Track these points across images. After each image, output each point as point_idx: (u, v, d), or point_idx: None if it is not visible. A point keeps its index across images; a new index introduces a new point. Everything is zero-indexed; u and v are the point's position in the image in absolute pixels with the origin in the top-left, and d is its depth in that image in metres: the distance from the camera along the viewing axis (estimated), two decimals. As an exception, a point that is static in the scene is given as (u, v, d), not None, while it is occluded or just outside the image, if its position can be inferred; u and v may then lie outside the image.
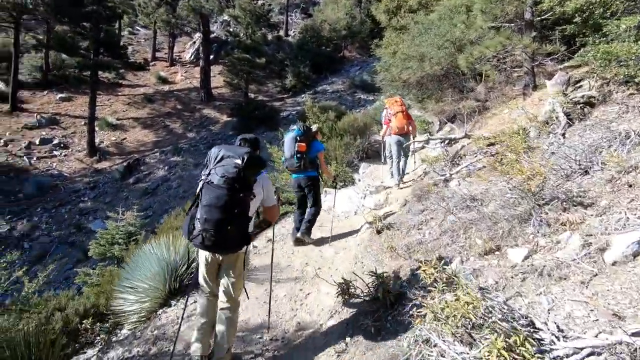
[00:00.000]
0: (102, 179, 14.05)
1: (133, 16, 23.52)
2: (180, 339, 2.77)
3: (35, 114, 16.04)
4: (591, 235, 2.33)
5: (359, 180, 7.38)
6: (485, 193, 3.59)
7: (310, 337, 2.76)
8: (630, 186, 2.62)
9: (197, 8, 18.23)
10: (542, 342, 1.70)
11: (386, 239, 3.75)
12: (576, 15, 5.05)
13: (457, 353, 1.72)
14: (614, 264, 2.06)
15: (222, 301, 2.38)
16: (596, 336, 1.64)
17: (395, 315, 2.51)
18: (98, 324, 3.68)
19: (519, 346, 1.59)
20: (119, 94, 19.52)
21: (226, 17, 22.06)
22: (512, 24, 6.30)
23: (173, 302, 3.52)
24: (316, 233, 4.59)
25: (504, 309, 1.91)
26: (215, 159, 2.20)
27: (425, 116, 9.50)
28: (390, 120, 5.79)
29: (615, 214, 2.41)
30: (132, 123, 17.61)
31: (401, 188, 5.88)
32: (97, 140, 15.63)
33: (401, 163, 5.94)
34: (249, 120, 16.26)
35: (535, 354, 1.55)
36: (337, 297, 2.93)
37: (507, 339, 1.61)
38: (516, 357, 1.53)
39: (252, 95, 19.96)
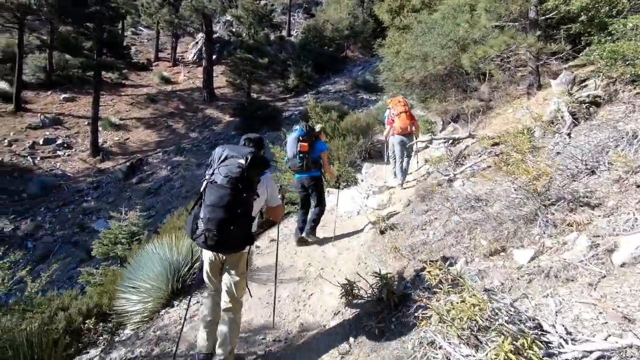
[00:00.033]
0: (105, 178, 14.10)
1: (136, 16, 23.59)
2: (183, 340, 2.76)
3: (39, 114, 16.12)
4: (599, 236, 2.29)
5: (362, 181, 7.35)
6: (490, 193, 3.56)
7: (314, 338, 2.74)
8: (638, 186, 2.58)
9: (200, 8, 18.27)
10: (550, 345, 1.67)
11: (390, 240, 3.72)
12: (582, 13, 5.00)
13: (463, 356, 1.70)
14: (622, 265, 2.02)
15: (225, 302, 2.37)
16: (605, 339, 1.61)
17: (400, 316, 2.48)
18: (101, 324, 3.68)
19: (527, 349, 1.57)
20: (122, 94, 19.59)
21: (229, 17, 22.09)
22: (516, 23, 6.25)
23: (176, 303, 3.51)
24: (319, 233, 4.57)
25: (510, 311, 1.88)
26: (219, 158, 2.19)
27: (428, 116, 9.45)
28: (393, 120, 5.77)
29: (623, 215, 2.37)
30: (135, 123, 17.66)
31: (404, 188, 5.85)
32: (100, 140, 15.69)
33: (404, 163, 5.92)
34: (251, 120, 16.27)
35: (543, 357, 1.53)
36: (341, 298, 2.91)
37: (514, 342, 1.58)
38: (524, 360, 1.51)
39: (255, 95, 19.98)
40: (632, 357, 1.45)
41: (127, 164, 14.76)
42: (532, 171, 2.76)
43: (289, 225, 5.28)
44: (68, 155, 14.89)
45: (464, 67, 6.86)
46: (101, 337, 3.51)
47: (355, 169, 7.88)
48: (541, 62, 6.19)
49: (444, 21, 7.27)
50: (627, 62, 4.09)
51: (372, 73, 19.23)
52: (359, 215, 5.39)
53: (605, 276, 2.01)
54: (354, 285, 2.85)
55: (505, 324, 1.71)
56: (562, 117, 4.45)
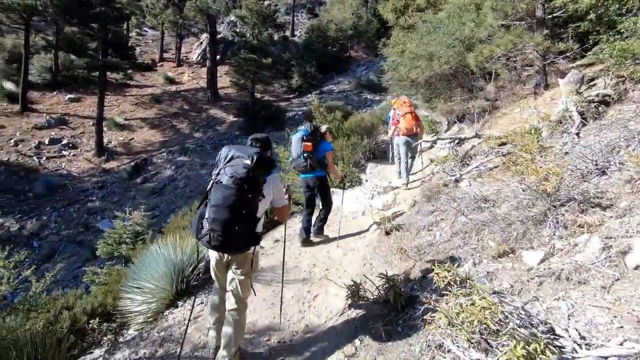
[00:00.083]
0: (110, 178, 14.16)
1: (141, 17, 23.72)
2: (188, 341, 2.74)
3: (45, 114, 16.23)
4: (611, 237, 2.24)
5: (366, 181, 7.31)
6: (498, 194, 3.51)
7: (319, 340, 2.71)
8: (652, 187, 2.53)
9: (204, 9, 18.31)
10: (563, 349, 1.62)
11: (395, 240, 3.68)
12: (590, 12, 4.93)
13: (472, 360, 1.66)
14: (636, 268, 1.97)
15: (230, 303, 2.34)
16: (621, 344, 1.56)
17: (407, 319, 2.44)
18: (105, 323, 3.67)
19: (540, 354, 1.52)
20: (127, 94, 19.68)
21: (233, 18, 22.13)
22: (523, 22, 6.18)
23: (180, 303, 3.49)
24: (314, 238, 4.56)
25: (521, 314, 1.84)
26: (225, 158, 2.18)
27: (433, 116, 9.39)
28: (398, 121, 5.76)
29: (637, 216, 2.32)
30: (139, 123, 17.73)
31: (409, 188, 5.81)
32: (105, 141, 15.76)
33: (408, 163, 5.89)
34: (255, 120, 16.28)
35: (557, 362, 1.48)
36: (347, 299, 2.87)
37: (527, 346, 1.54)
38: (537, 365, 1.47)
39: (259, 96, 19.99)
40: (650, 363, 1.41)
41: (132, 164, 14.82)
42: (541, 171, 2.70)
43: (293, 225, 5.25)
44: (73, 155, 14.98)
45: (469, 67, 6.81)
46: (105, 337, 3.50)
47: (359, 169, 7.84)
48: (548, 62, 6.12)
49: (449, 20, 7.22)
50: (637, 61, 4.03)
51: (376, 73, 19.16)
52: (364, 215, 5.35)
53: (619, 279, 1.96)
54: (360, 286, 2.81)
55: (517, 327, 1.67)
56: (570, 117, 4.39)
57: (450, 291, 2.03)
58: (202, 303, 3.41)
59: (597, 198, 2.67)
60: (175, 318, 3.30)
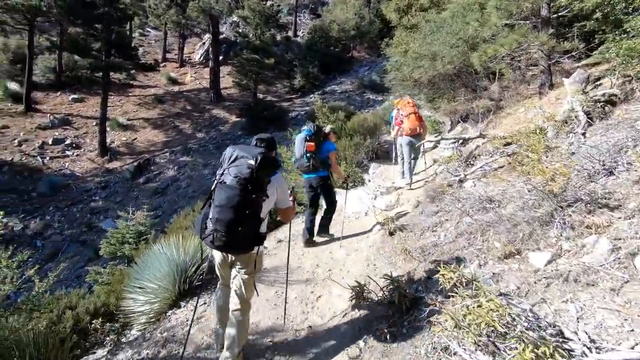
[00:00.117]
0: (113, 178, 14.20)
1: (144, 18, 23.76)
2: (190, 342, 2.72)
3: (49, 115, 16.30)
4: (620, 239, 2.21)
5: (369, 181, 7.28)
6: (503, 194, 3.47)
7: (323, 341, 2.68)
8: (661, 188, 2.49)
9: (207, 9, 18.33)
10: (572, 353, 1.59)
11: (399, 241, 3.66)
12: (596, 10, 4.88)
13: (480, 363, 1.63)
14: (646, 270, 1.94)
15: (234, 303, 2.33)
16: (632, 348, 1.53)
17: (411, 320, 2.41)
18: (108, 324, 3.66)
19: (549, 358, 1.50)
20: (130, 94, 19.73)
21: (235, 18, 22.14)
22: (528, 21, 6.14)
23: (182, 304, 3.48)
24: (319, 237, 4.55)
25: (529, 316, 1.81)
26: (230, 159, 2.17)
27: (436, 116, 9.35)
28: (402, 121, 5.74)
29: (646, 217, 2.28)
30: (142, 123, 17.77)
31: (412, 189, 5.78)
32: (108, 141, 15.80)
33: (412, 163, 5.87)
34: (257, 121, 16.28)
35: (566, 366, 1.46)
36: (351, 300, 2.85)
37: (535, 350, 1.51)
38: (546, 369, 1.44)
39: (261, 96, 20.00)
40: (663, 367, 1.38)
41: (135, 164, 14.85)
42: (548, 172, 2.67)
43: (295, 226, 5.23)
44: (77, 155, 15.03)
45: (473, 67, 6.77)
46: (108, 338, 3.50)
47: (362, 170, 7.81)
48: (553, 61, 6.07)
49: (453, 20, 7.18)
50: (644, 60, 3.99)
51: (378, 73, 19.12)
52: (367, 216, 5.32)
53: (628, 281, 1.92)
54: (364, 287, 2.78)
55: (525, 330, 1.64)
56: (576, 117, 4.34)
57: (456, 293, 2.00)
58: (205, 304, 3.39)
59: (605, 199, 2.64)
60: (178, 319, 3.29)
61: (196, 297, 2.98)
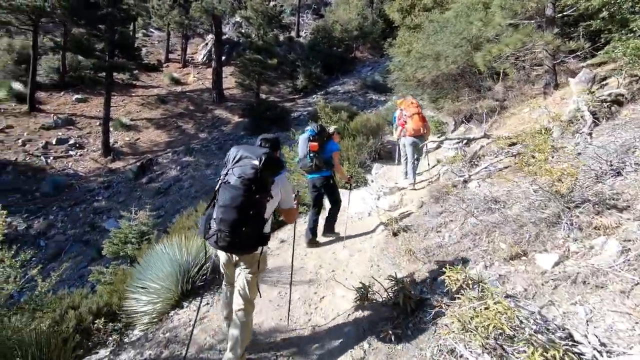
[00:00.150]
0: (116, 178, 14.23)
1: (147, 18, 23.84)
2: (193, 343, 2.70)
3: (52, 115, 16.37)
4: (629, 240, 2.17)
5: (372, 181, 7.25)
6: (508, 195, 3.44)
7: (326, 343, 2.66)
8: (670, 188, 2.45)
9: (210, 9, 18.37)
10: (582, 357, 1.56)
11: (403, 242, 3.62)
12: (603, 10, 4.83)
13: (488, 366, 1.60)
14: (657, 272, 1.90)
15: (237, 303, 2.31)
16: (644, 352, 1.50)
17: (416, 322, 2.38)
18: (110, 323, 3.65)
19: (559, 361, 1.47)
20: (133, 94, 19.80)
21: (238, 19, 22.19)
22: (532, 21, 6.10)
23: (185, 304, 3.47)
24: (324, 237, 4.52)
25: (537, 319, 1.78)
26: (234, 159, 2.16)
27: (439, 117, 9.31)
28: (406, 121, 5.72)
29: (656, 218, 2.24)
30: (145, 123, 17.82)
31: (416, 189, 5.75)
32: (111, 141, 15.85)
33: (415, 164, 5.85)
34: (260, 121, 16.29)
35: (577, 370, 1.42)
36: (355, 301, 2.82)
37: (545, 353, 1.48)
38: (557, 373, 1.41)
39: (264, 96, 20.01)
40: (677, 372, 1.34)
41: (138, 164, 14.88)
42: (555, 172, 2.63)
43: (298, 226, 5.20)
44: (80, 155, 15.08)
45: (477, 67, 6.72)
46: (111, 338, 3.48)
47: (365, 170, 7.78)
48: (558, 61, 6.03)
49: (456, 20, 7.14)
50: (651, 60, 3.94)
51: (381, 74, 19.11)
52: (370, 216, 5.29)
53: (638, 283, 1.89)
54: (369, 289, 2.76)
55: (534, 333, 1.61)
56: (582, 117, 4.31)
57: (462, 294, 1.97)
58: (207, 304, 3.38)
59: (613, 199, 2.60)
60: (180, 319, 3.27)
61: (199, 298, 2.96)
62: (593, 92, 4.49)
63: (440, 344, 2.05)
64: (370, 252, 3.89)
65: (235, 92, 20.79)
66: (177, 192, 13.23)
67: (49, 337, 2.52)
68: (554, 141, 4.06)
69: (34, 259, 6.36)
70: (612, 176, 2.93)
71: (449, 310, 1.97)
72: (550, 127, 4.53)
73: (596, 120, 4.19)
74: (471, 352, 1.79)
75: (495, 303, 1.71)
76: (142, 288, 3.54)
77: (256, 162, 2.08)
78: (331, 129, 4.33)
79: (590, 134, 4.03)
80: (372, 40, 23.61)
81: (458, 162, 4.98)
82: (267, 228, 2.26)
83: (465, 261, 2.79)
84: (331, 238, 4.47)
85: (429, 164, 6.77)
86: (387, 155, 8.59)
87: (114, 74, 16.64)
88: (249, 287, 2.31)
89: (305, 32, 26.69)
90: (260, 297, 2.64)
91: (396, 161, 7.52)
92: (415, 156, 5.83)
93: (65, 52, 17.94)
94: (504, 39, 5.95)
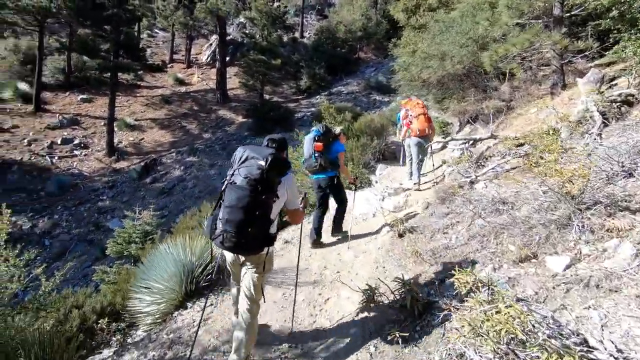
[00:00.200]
0: (120, 178, 14.28)
1: (152, 19, 23.92)
2: (198, 344, 2.67)
3: (58, 115, 16.45)
4: (644, 243, 2.12)
5: (376, 182, 7.20)
6: (517, 196, 3.38)
7: (332, 346, 2.62)
8: (685, 190, 2.39)
9: (214, 10, 18.39)
10: (598, 363, 1.51)
11: (409, 243, 3.58)
12: (612, 9, 4.76)
13: (500, 372, 1.55)
14: (674, 276, 1.85)
15: (243, 304, 2.29)
16: (663, 359, 1.44)
17: (424, 325, 2.34)
18: (114, 323, 3.64)
19: (574, 368, 1.42)
20: (138, 95, 19.87)
21: (242, 19, 22.20)
22: (539, 21, 6.03)
23: (189, 305, 3.44)
24: (332, 237, 4.49)
25: (550, 323, 1.73)
26: (240, 159, 2.15)
27: (444, 117, 9.24)
28: (411, 122, 5.68)
29: (671, 221, 2.19)
30: (149, 124, 17.87)
31: (420, 190, 5.70)
32: (115, 141, 15.91)
33: (420, 164, 5.81)
34: (264, 121, 16.29)
35: (594, 377, 1.38)
36: (361, 304, 2.78)
37: (559, 359, 1.44)
38: (573, 380, 1.36)
39: (267, 97, 20.01)
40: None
41: (142, 164, 14.92)
42: (567, 173, 2.58)
43: (303, 227, 5.17)
44: (85, 155, 15.15)
45: (483, 67, 6.66)
46: (114, 338, 3.47)
47: (369, 171, 7.74)
48: (566, 61, 5.95)
49: (462, 19, 7.09)
50: (663, 59, 3.87)
51: (385, 74, 19.06)
52: (375, 217, 5.24)
53: (655, 288, 1.84)
54: (376, 291, 2.71)
55: (548, 338, 1.57)
56: (591, 117, 4.24)
57: (472, 297, 1.93)
58: (211, 305, 3.35)
59: (626, 201, 2.54)
60: (184, 320, 3.25)
61: (203, 298, 2.93)
62: (602, 92, 4.42)
63: (449, 348, 2.01)
64: (376, 254, 3.84)
65: (239, 93, 20.81)
66: (181, 192, 13.24)
67: (52, 337, 2.50)
68: (562, 142, 4.00)
69: (38, 258, 6.39)
70: (623, 177, 2.87)
71: (458, 314, 1.92)
72: (559, 128, 4.47)
73: (605, 121, 4.12)
74: (481, 357, 1.75)
75: (507, 307, 1.67)
76: (146, 288, 3.52)
77: (262, 163, 2.06)
78: (337, 129, 4.31)
79: (599, 134, 3.96)
80: (376, 41, 23.56)
81: (464, 162, 4.93)
82: (273, 229, 2.23)
83: (473, 263, 2.74)
84: (338, 237, 4.45)
85: (433, 165, 6.72)
86: (391, 156, 8.54)
87: (119, 74, 16.70)
88: (255, 287, 2.28)
89: (309, 33, 26.68)
90: (265, 302, 2.60)
91: (400, 162, 7.47)
92: (420, 157, 5.79)
93: (70, 52, 18.04)
94: (511, 39, 5.89)
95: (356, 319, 2.80)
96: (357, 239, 4.37)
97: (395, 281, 2.60)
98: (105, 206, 12.76)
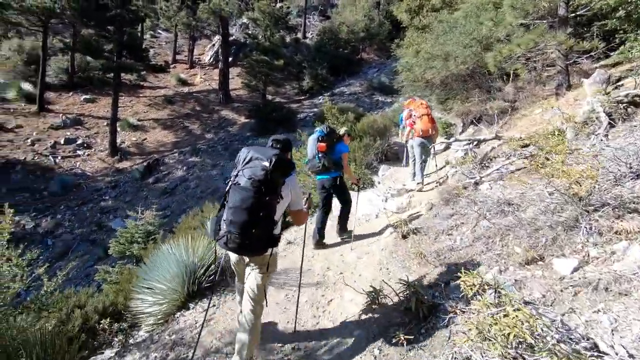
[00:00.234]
0: (123, 178, 14.31)
1: (155, 19, 24.01)
2: (200, 345, 2.65)
3: (61, 115, 16.52)
4: (654, 246, 2.08)
5: (379, 183, 7.17)
6: (522, 197, 3.34)
7: (335, 347, 2.59)
8: (696, 192, 2.35)
9: (217, 11, 18.42)
10: (609, 368, 1.48)
11: (413, 244, 3.55)
12: (619, 9, 4.72)
13: (508, 377, 1.52)
14: (685, 279, 1.81)
15: (246, 305, 2.27)
16: (677, 365, 1.41)
17: (429, 328, 2.31)
18: (116, 324, 3.62)
19: (585, 373, 1.39)
20: (140, 95, 19.92)
21: (245, 20, 22.26)
22: (544, 21, 5.99)
23: (191, 305, 3.42)
24: (336, 237, 4.46)
25: (559, 327, 1.70)
26: (244, 160, 2.14)
27: (447, 118, 9.20)
28: (414, 122, 5.65)
29: (681, 223, 2.15)
30: (152, 124, 17.91)
31: (424, 190, 5.67)
32: (118, 141, 15.95)
33: (422, 165, 5.78)
34: (266, 122, 16.29)
35: (605, 383, 1.34)
36: (365, 305, 2.75)
37: (570, 364, 1.41)
38: (584, 386, 1.33)
39: (270, 97, 20.02)
40: None
41: (144, 164, 14.95)
42: (575, 174, 2.54)
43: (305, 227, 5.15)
44: (87, 155, 15.19)
45: (487, 67, 6.63)
46: (116, 338, 3.45)
47: (372, 171, 7.71)
48: (571, 61, 5.90)
49: (466, 20, 7.06)
50: (670, 59, 3.83)
51: (387, 75, 19.03)
52: (378, 218, 5.22)
53: (666, 291, 1.80)
54: (380, 292, 2.68)
55: (557, 342, 1.54)
56: (597, 118, 4.20)
57: (478, 300, 1.90)
58: (214, 306, 3.33)
59: (634, 203, 2.50)
60: (186, 321, 3.23)
61: (205, 299, 2.92)
62: (608, 92, 4.38)
63: (455, 352, 1.98)
64: (379, 255, 3.82)
65: (241, 93, 20.84)
66: (183, 192, 13.25)
67: (54, 337, 2.49)
68: (568, 143, 3.96)
69: (41, 257, 6.39)
70: (631, 179, 2.83)
71: (464, 317, 1.90)
72: (564, 129, 4.43)
73: (612, 122, 4.08)
74: (488, 360, 1.72)
75: (515, 310, 1.64)
76: (148, 288, 3.51)
77: (266, 164, 2.04)
78: (342, 130, 4.30)
79: (606, 135, 3.92)
80: (379, 42, 23.55)
81: (468, 163, 4.89)
82: (277, 229, 2.21)
83: (478, 265, 2.71)
84: (344, 237, 4.44)
85: (436, 166, 6.68)
86: (394, 156, 8.51)
87: (122, 74, 16.77)
88: (258, 288, 2.26)
89: (311, 34, 26.70)
90: (267, 306, 2.58)
91: (403, 163, 7.44)
92: (423, 157, 5.76)
93: (74, 52, 18.11)
94: (515, 39, 5.86)
95: (360, 320, 2.77)
96: (360, 240, 4.34)
97: (400, 283, 2.58)
98: (108, 206, 12.79)
